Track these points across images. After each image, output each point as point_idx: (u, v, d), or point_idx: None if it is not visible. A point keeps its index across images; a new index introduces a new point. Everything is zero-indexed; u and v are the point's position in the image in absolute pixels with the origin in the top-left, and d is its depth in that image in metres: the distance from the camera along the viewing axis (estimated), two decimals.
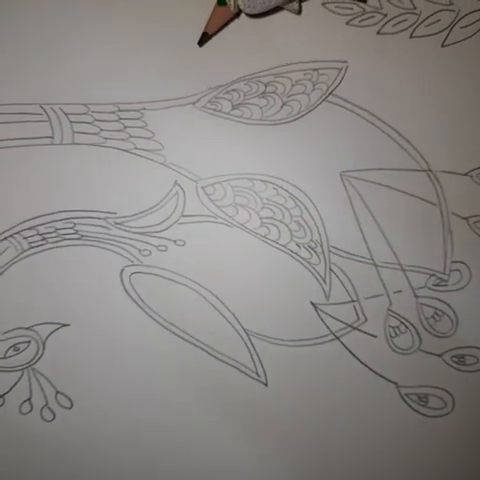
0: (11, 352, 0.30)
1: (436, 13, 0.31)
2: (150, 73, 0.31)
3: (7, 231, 0.30)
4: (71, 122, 0.30)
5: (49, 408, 0.30)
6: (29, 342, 0.30)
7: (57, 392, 0.30)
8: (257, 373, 0.31)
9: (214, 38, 0.31)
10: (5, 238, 0.30)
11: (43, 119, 0.30)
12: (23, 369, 0.30)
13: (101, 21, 0.30)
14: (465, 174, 0.31)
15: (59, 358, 0.30)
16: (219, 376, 0.30)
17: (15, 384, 0.30)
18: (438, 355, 0.30)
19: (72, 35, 0.30)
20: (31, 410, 0.30)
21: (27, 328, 0.30)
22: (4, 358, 0.30)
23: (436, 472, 0.30)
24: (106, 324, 0.30)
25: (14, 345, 0.30)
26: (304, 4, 0.30)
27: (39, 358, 0.30)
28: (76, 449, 0.30)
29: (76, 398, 0.30)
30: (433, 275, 0.31)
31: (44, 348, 0.30)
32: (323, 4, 0.31)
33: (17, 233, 0.30)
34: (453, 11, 0.31)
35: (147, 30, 0.31)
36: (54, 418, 0.30)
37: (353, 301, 0.31)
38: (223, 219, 0.31)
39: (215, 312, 0.31)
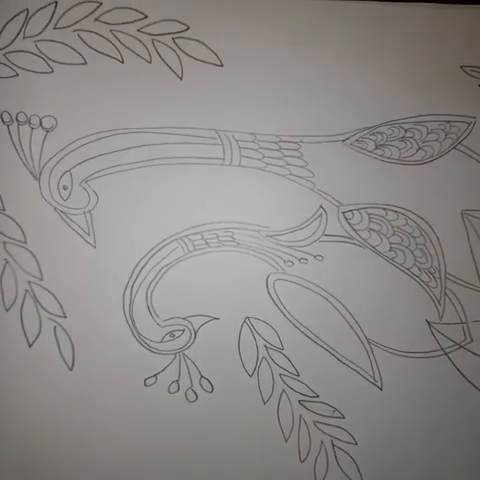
0: (167, 338, 0.35)
1: None
2: (309, 111, 0.36)
3: (177, 234, 0.35)
4: (240, 147, 0.36)
5: (193, 390, 0.35)
6: (183, 330, 0.35)
7: (201, 377, 0.35)
8: (374, 377, 0.35)
9: (360, 85, 0.36)
10: (175, 240, 0.35)
11: (217, 143, 0.36)
12: (175, 353, 0.35)
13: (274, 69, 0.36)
14: None
15: (207, 347, 0.35)
16: (338, 377, 0.35)
17: (167, 366, 0.35)
18: None
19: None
20: (177, 390, 0.35)
21: (183, 318, 0.35)
22: (161, 342, 0.35)
23: None
24: (251, 320, 0.35)
25: (171, 332, 0.35)
26: (445, 65, 0.36)
27: (190, 345, 0.35)
28: (212, 431, 0.35)
29: (217, 384, 0.35)
30: None
31: (195, 337, 0.35)
32: (461, 67, 0.36)
33: (185, 236, 0.35)
34: None
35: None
36: (196, 399, 0.35)
37: (462, 323, 0.36)
38: (358, 241, 0.36)
39: (343, 320, 0.36)
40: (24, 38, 0.35)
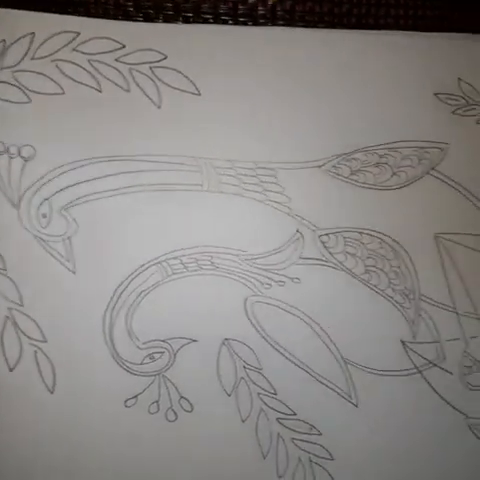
0: (147, 360, 0.36)
1: None
2: (286, 138, 0.37)
3: (156, 258, 0.36)
4: (218, 174, 0.36)
5: (173, 410, 0.36)
6: (163, 352, 0.36)
7: (181, 397, 0.36)
8: (350, 395, 0.36)
9: (336, 112, 0.37)
10: (154, 264, 0.36)
11: (196, 170, 0.36)
12: (155, 375, 0.36)
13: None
14: None
15: (187, 368, 0.36)
16: (315, 395, 0.36)
17: (147, 387, 0.36)
18: None
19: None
20: (158, 411, 0.36)
21: (163, 340, 0.36)
22: (141, 364, 0.36)
23: None
24: (229, 342, 0.36)
25: (150, 354, 0.36)
26: (419, 92, 0.37)
27: (170, 367, 0.36)
28: (193, 449, 0.35)
29: (196, 404, 0.36)
30: None
31: (175, 358, 0.36)
32: (435, 94, 0.37)
33: (164, 261, 0.36)
34: None
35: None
36: (176, 419, 0.36)
37: (436, 342, 0.37)
38: (334, 263, 0.37)
39: (319, 340, 0.36)
40: (1, 69, 0.35)
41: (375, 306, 0.37)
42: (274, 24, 0.36)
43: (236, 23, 0.36)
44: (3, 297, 0.35)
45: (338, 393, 0.36)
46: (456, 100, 0.37)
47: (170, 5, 0.36)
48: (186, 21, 0.36)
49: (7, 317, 0.35)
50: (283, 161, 0.36)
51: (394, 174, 0.37)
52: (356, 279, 0.37)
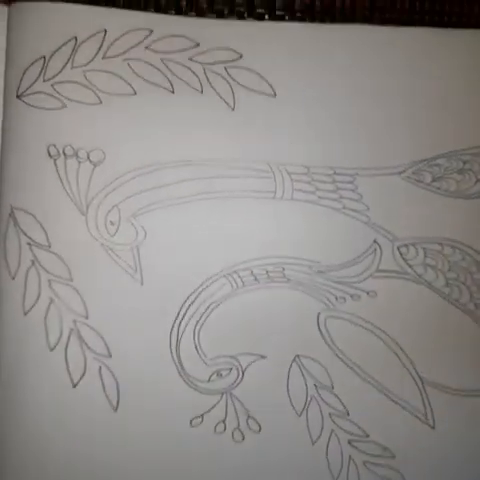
0: (214, 377, 0.34)
1: None
2: (364, 143, 0.34)
3: (226, 269, 0.34)
4: (292, 180, 0.34)
5: (240, 430, 0.34)
6: (231, 369, 0.34)
7: (248, 417, 0.34)
8: (426, 416, 0.34)
9: (416, 116, 0.35)
10: (224, 276, 0.34)
11: (269, 176, 0.34)
12: (222, 393, 0.34)
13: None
14: None
15: (255, 386, 0.34)
16: (389, 415, 0.34)
17: (214, 406, 0.34)
18: None
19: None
20: (224, 430, 0.34)
21: (231, 356, 0.34)
22: (208, 382, 0.34)
23: None
24: (300, 359, 0.34)
25: (218, 371, 0.34)
26: None
27: (238, 384, 0.34)
28: (260, 471, 0.34)
29: (265, 424, 0.34)
30: None
31: (243, 376, 0.34)
32: None
33: (234, 272, 0.34)
34: None
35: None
36: (243, 439, 0.34)
37: None
38: (412, 276, 0.35)
39: (395, 358, 0.34)
40: (72, 68, 0.33)
41: (454, 322, 0.34)
42: (350, 21, 0.34)
43: (313, 20, 0.34)
44: (68, 309, 0.33)
45: (414, 414, 0.34)
46: None
47: (242, 1, 0.34)
48: (260, 18, 0.34)
49: (72, 329, 0.33)
50: (362, 167, 0.34)
51: (478, 181, 0.35)
52: (436, 293, 0.34)
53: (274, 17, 0.34)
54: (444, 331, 0.34)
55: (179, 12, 0.33)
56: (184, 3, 0.33)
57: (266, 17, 0.34)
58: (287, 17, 0.34)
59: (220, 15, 0.34)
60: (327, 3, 0.34)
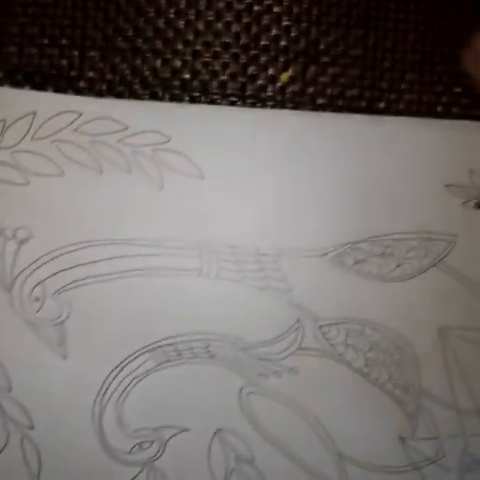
0: (136, 449, 0.35)
1: None
2: (290, 225, 0.35)
3: (150, 345, 0.35)
4: (218, 259, 0.35)
5: None
6: (153, 441, 0.35)
7: None
8: None
9: (341, 200, 0.36)
10: (148, 351, 0.35)
11: (195, 254, 0.35)
12: (144, 464, 0.35)
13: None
14: None
15: (177, 458, 0.35)
16: None
17: (135, 477, 0.35)
18: None
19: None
20: None
21: (153, 429, 0.35)
22: (129, 453, 0.35)
23: None
24: (222, 433, 0.35)
25: (140, 443, 0.35)
26: (428, 182, 0.36)
27: (159, 456, 0.35)
28: None
29: None
30: None
31: (165, 448, 0.35)
32: (445, 185, 0.36)
33: (158, 347, 0.35)
34: None
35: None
36: None
37: (435, 438, 0.36)
38: (333, 355, 0.36)
39: (315, 434, 0.35)
40: (0, 149, 0.34)
41: (374, 400, 0.35)
42: (283, 107, 0.35)
43: (244, 104, 0.35)
44: None
45: None
46: (467, 192, 0.35)
47: (177, 83, 0.34)
48: (193, 101, 0.34)
49: None
50: (286, 248, 0.35)
51: (399, 265, 0.36)
52: (356, 373, 0.35)
53: (208, 100, 0.35)
54: (363, 409, 0.35)
55: (111, 93, 0.34)
56: (117, 85, 0.34)
57: (202, 99, 0.35)
58: (219, 101, 0.35)
59: (154, 97, 0.35)
60: (258, 88, 0.35)
